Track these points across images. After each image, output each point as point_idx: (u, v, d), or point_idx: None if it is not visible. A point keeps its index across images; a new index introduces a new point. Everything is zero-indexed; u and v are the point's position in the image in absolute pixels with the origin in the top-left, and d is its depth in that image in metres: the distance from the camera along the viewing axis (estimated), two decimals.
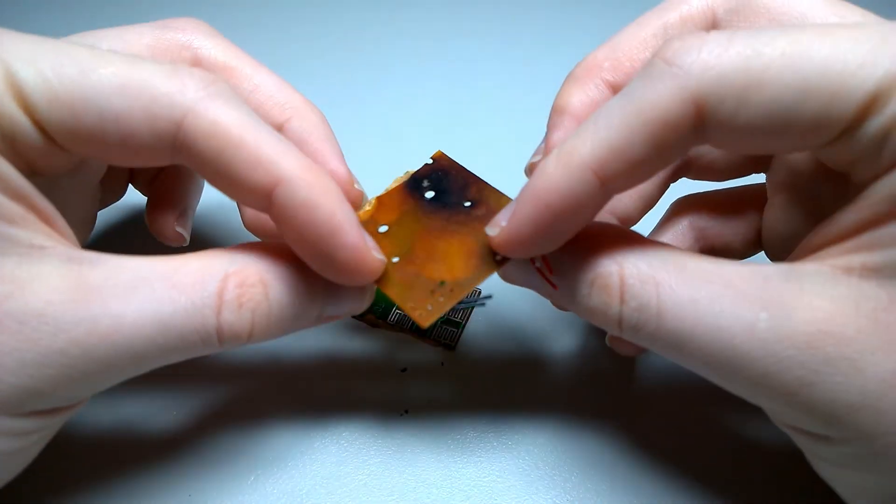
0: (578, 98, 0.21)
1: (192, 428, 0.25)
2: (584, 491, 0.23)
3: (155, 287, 0.17)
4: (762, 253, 0.25)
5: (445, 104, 0.41)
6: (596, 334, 0.28)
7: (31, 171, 0.19)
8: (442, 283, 0.20)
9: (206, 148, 0.18)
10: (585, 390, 0.26)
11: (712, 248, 0.25)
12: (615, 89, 0.21)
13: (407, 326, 0.28)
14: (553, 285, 0.20)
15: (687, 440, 0.24)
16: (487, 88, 0.42)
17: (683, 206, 0.26)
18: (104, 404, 0.25)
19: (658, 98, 0.16)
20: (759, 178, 0.24)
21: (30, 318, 0.16)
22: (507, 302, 0.29)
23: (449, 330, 0.28)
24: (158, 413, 0.25)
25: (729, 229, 0.25)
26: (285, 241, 0.19)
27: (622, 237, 0.19)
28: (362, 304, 0.21)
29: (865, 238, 0.16)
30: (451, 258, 0.20)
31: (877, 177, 0.16)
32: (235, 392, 0.26)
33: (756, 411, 0.20)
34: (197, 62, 0.23)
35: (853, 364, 0.16)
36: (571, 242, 0.18)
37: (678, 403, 0.25)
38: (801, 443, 0.18)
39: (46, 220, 0.18)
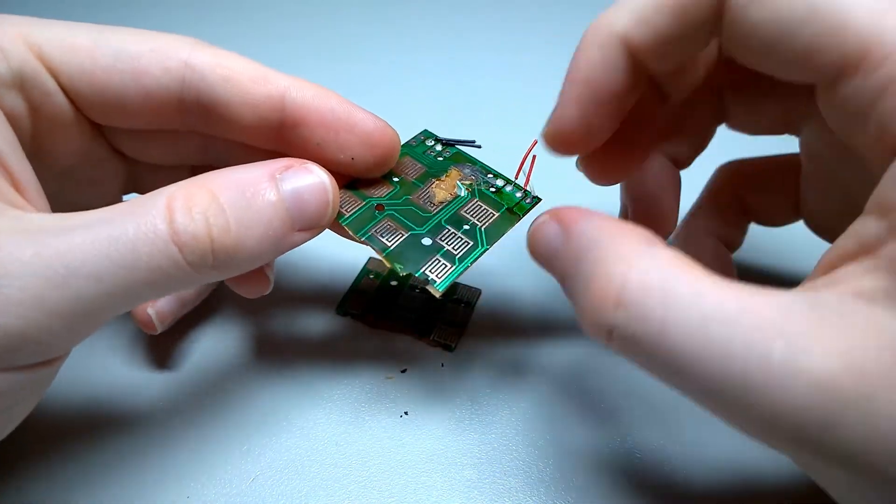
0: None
1: (192, 428, 0.25)
2: (585, 492, 0.23)
3: (103, 216, 0.17)
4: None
5: (445, 101, 0.41)
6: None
7: (43, 144, 0.21)
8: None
9: (215, 77, 0.20)
10: (586, 392, 0.26)
11: (757, 217, 0.27)
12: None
13: (406, 327, 0.28)
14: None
15: (689, 441, 0.24)
16: (484, 81, 0.42)
17: (727, 174, 0.28)
18: (102, 404, 0.25)
19: None
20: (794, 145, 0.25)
21: None
22: (508, 303, 0.29)
23: (449, 330, 0.28)
24: (158, 413, 0.25)
25: (770, 198, 0.27)
26: (307, 147, 0.22)
27: (637, 242, 0.17)
28: (326, 200, 0.20)
29: (880, 253, 0.15)
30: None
31: (882, 169, 0.15)
32: (234, 393, 0.26)
33: None
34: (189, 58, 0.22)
35: (870, 403, 0.14)
36: (592, 237, 0.17)
37: (681, 406, 0.25)
38: (813, 476, 0.17)
39: (20, 188, 0.18)
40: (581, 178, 0.25)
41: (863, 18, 0.15)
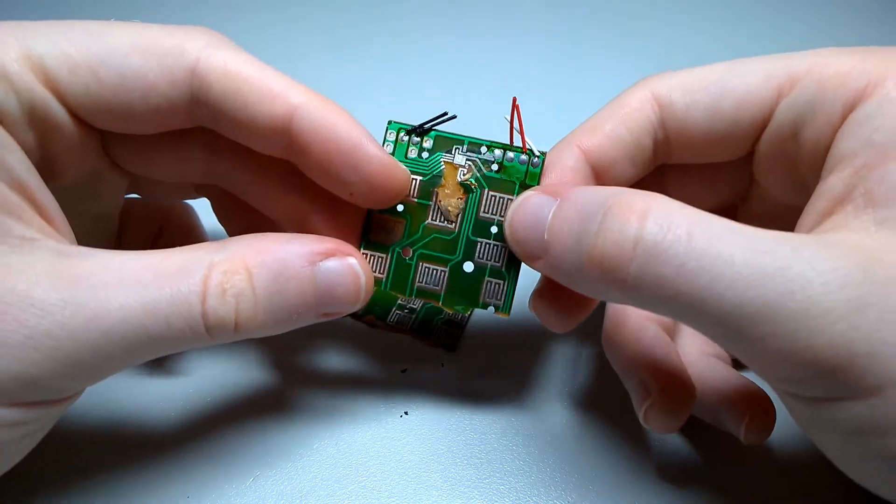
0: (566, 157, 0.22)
1: (191, 428, 0.24)
2: (586, 492, 0.23)
3: (142, 276, 0.18)
4: None
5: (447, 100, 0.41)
6: (597, 337, 0.28)
7: (51, 168, 0.20)
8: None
9: (222, 89, 0.19)
10: (587, 391, 0.26)
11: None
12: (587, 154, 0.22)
13: (406, 327, 0.28)
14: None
15: (691, 444, 0.24)
16: (490, 80, 0.42)
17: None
18: (102, 403, 0.25)
19: (627, 93, 0.22)
20: None
21: (16, 299, 0.16)
22: None
23: (449, 331, 0.28)
24: (157, 413, 0.25)
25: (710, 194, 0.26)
26: (310, 174, 0.21)
27: (650, 193, 0.18)
28: (358, 297, 0.20)
29: (853, 195, 0.17)
30: None
31: (827, 150, 0.19)
32: (234, 393, 0.26)
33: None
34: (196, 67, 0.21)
35: (882, 301, 0.15)
36: (594, 190, 0.19)
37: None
38: (809, 417, 0.17)
39: (44, 214, 0.18)
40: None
41: (778, 63, 0.21)
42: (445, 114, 0.23)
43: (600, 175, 0.22)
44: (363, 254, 0.22)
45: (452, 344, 0.27)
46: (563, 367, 0.27)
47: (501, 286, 0.22)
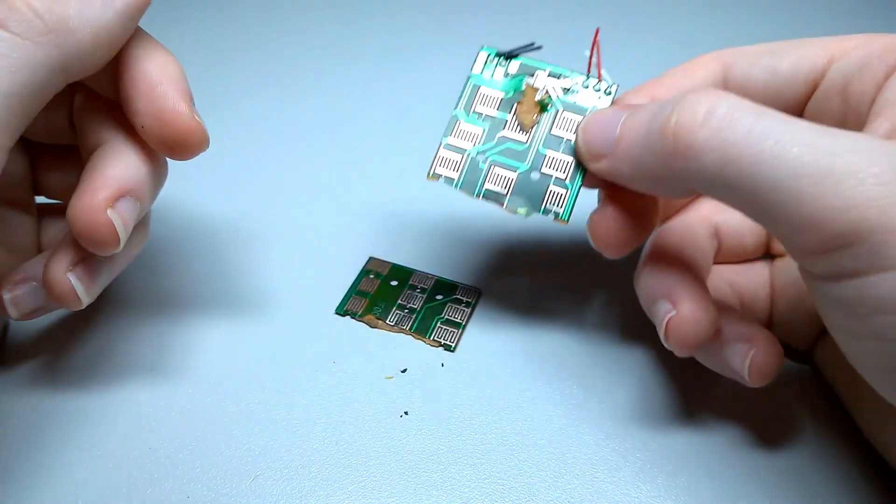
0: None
1: (192, 428, 0.25)
2: (585, 493, 0.23)
3: None
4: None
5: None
6: (597, 338, 0.28)
7: None
8: None
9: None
10: (586, 392, 0.26)
11: (721, 244, 0.27)
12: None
13: (406, 327, 0.28)
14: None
15: (694, 450, 0.24)
16: None
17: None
18: (102, 404, 0.25)
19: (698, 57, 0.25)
20: None
21: None
22: (508, 303, 0.29)
23: (449, 331, 0.28)
24: (158, 413, 0.25)
25: (744, 225, 0.27)
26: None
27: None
28: None
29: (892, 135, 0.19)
30: None
31: (872, 102, 0.21)
32: (234, 392, 0.26)
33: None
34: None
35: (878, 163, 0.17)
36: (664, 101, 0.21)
37: (683, 412, 0.25)
38: (827, 293, 0.19)
39: None
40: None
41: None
42: (532, 44, 0.26)
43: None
44: (440, 156, 0.25)
45: (452, 346, 0.27)
46: (562, 367, 0.27)
47: (563, 195, 0.24)
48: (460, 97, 0.25)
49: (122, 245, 0.21)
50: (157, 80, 0.21)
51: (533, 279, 0.30)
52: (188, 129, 0.21)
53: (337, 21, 0.49)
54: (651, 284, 0.24)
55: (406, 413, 0.25)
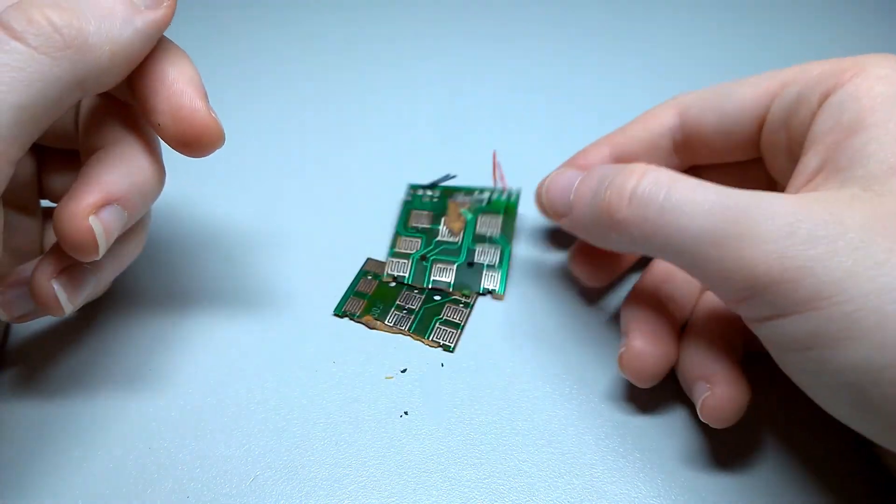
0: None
1: (192, 428, 0.24)
2: (584, 493, 0.23)
3: None
4: None
5: (447, 108, 0.41)
6: (597, 337, 0.28)
7: None
8: None
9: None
10: (586, 393, 0.26)
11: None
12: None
13: (406, 327, 0.28)
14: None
15: (695, 450, 0.24)
16: (490, 92, 0.42)
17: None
18: (102, 405, 0.25)
19: (658, 106, 0.29)
20: None
21: None
22: (508, 304, 0.29)
23: (448, 331, 0.28)
24: (158, 413, 0.25)
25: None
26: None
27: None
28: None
29: (820, 169, 0.21)
30: None
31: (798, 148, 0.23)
32: (234, 393, 0.26)
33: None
34: None
35: (828, 226, 0.18)
36: (611, 165, 0.24)
37: (684, 413, 0.26)
38: (781, 338, 0.19)
39: None
40: (542, 167, 0.30)
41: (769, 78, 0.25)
42: (448, 175, 0.34)
43: None
44: (390, 261, 0.30)
45: (451, 346, 0.27)
46: (562, 368, 0.27)
47: (496, 276, 0.30)
48: (399, 219, 0.32)
49: (100, 253, 0.20)
50: (173, 78, 0.21)
51: (533, 280, 0.30)
52: (205, 126, 0.21)
53: (342, 25, 0.49)
54: (688, 366, 0.24)
55: (406, 413, 0.25)
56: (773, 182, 0.26)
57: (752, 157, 0.26)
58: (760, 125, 0.25)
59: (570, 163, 0.29)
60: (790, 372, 0.20)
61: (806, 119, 0.22)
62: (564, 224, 0.26)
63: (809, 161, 0.21)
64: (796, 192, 0.21)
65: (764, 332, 0.20)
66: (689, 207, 0.20)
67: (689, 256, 0.20)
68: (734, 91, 0.25)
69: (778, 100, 0.24)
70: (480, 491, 0.23)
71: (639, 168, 0.22)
